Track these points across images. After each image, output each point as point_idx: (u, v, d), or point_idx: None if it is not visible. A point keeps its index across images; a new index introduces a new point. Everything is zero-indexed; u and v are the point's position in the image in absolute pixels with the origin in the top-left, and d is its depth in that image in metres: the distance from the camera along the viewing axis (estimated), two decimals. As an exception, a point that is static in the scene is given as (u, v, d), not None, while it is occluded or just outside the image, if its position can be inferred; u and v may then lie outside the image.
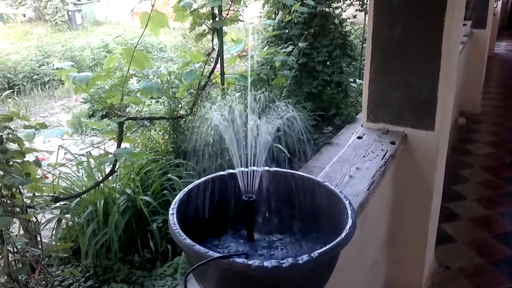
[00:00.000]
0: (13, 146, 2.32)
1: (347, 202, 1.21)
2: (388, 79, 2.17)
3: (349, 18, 6.42)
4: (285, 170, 1.37)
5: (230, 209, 1.30)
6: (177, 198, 1.21)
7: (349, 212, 1.17)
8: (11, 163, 2.22)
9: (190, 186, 1.26)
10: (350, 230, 1.10)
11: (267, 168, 1.35)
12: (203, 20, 3.83)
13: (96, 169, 3.57)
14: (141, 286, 3.12)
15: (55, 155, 3.78)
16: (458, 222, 3.27)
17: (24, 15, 16.32)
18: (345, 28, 5.98)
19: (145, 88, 3.06)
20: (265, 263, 0.98)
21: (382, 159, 1.95)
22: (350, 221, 1.13)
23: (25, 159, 2.29)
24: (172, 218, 1.14)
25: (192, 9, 3.72)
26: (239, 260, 1.00)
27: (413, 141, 2.22)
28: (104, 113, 6.27)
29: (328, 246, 1.05)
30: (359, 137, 2.18)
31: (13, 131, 2.21)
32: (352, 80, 6.01)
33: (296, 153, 4.90)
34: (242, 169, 1.28)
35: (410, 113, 2.17)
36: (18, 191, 2.40)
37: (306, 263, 1.00)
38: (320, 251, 1.02)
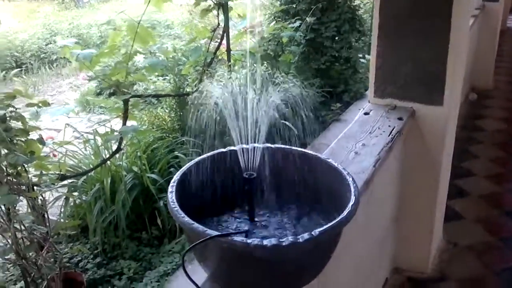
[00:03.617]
0: (17, 124, 2.32)
1: (351, 179, 1.19)
2: (396, 53, 2.12)
3: (358, -9, 6.29)
4: (287, 147, 1.34)
5: (231, 187, 1.28)
6: (176, 176, 1.19)
7: (352, 190, 1.14)
8: (15, 141, 2.21)
9: (189, 164, 1.24)
10: (352, 208, 1.08)
11: (268, 144, 1.32)
12: (208, -5, 3.76)
13: (103, 147, 3.57)
14: (149, 262, 3.14)
15: (63, 133, 3.78)
16: (467, 199, 3.23)
17: (31, -7, 16.22)
18: (354, 2, 5.86)
19: (150, 64, 3.03)
20: (265, 242, 0.96)
21: (389, 135, 1.91)
22: (353, 199, 1.11)
23: (29, 137, 2.28)
24: (171, 196, 1.12)
25: (197, -17, 3.65)
26: (238, 238, 0.98)
27: (421, 117, 2.17)
28: (111, 91, 6.24)
29: (329, 224, 1.02)
30: (365, 113, 2.14)
31: (16, 109, 2.19)
32: (361, 55, 5.91)
33: (303, 130, 4.87)
34: (243, 146, 1.25)
35: (418, 88, 2.13)
36: (23, 169, 2.40)
37: (307, 241, 0.97)
38: (321, 229, 1.00)
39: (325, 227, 1.01)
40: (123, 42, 3.26)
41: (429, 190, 2.32)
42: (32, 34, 9.25)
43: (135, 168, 3.39)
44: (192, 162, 1.25)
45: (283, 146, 1.34)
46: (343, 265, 1.54)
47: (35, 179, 2.58)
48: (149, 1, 2.80)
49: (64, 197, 3.39)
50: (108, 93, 6.43)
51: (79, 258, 3.25)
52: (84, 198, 3.34)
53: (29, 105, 2.23)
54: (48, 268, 2.63)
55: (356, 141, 1.87)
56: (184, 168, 1.23)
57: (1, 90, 6.72)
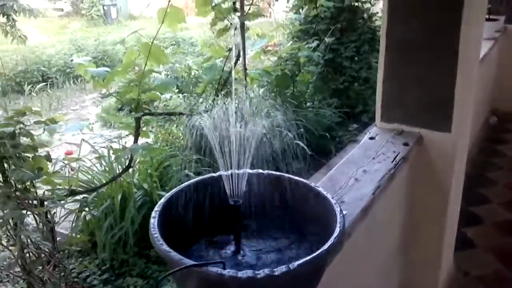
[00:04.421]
0: (26, 140, 2.36)
1: (338, 209, 1.16)
2: (403, 77, 2.09)
3: (378, 12, 6.26)
4: (277, 173, 1.32)
5: (218, 213, 1.26)
6: (161, 201, 1.19)
7: (338, 220, 1.11)
8: (23, 157, 2.24)
9: (176, 189, 1.23)
10: (335, 240, 1.05)
11: (260, 170, 1.30)
12: (224, 16, 3.80)
13: (117, 163, 3.60)
14: (156, 280, 3.13)
15: (82, 148, 3.83)
16: (481, 226, 3.13)
17: (62, 10, 16.68)
18: (374, 23, 5.84)
19: (162, 83, 3.05)
20: (239, 274, 0.94)
21: (392, 162, 1.87)
22: (337, 230, 1.08)
23: (37, 154, 2.31)
24: (153, 222, 1.11)
25: (213, 3, 3.69)
26: (213, 269, 0.96)
27: (428, 143, 2.12)
28: (131, 107, 6.34)
29: (309, 257, 0.99)
30: (371, 138, 2.11)
31: (25, 126, 2.23)
32: (380, 76, 5.85)
33: (319, 151, 4.84)
34: (234, 171, 1.23)
35: (426, 113, 2.08)
36: (32, 184, 2.43)
37: (283, 274, 0.95)
38: (299, 262, 0.97)
39: (304, 259, 0.98)
40: (138, 61, 3.30)
41: (438, 216, 2.26)
42: (59, 50, 9.48)
43: (145, 186, 3.40)
44: (179, 187, 1.24)
45: (274, 172, 1.32)
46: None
47: (48, 194, 2.61)
48: (162, 22, 2.83)
49: (76, 212, 3.43)
50: (129, 109, 6.52)
51: (87, 274, 3.26)
52: (94, 214, 3.37)
53: (37, 122, 2.26)
54: (52, 284, 2.65)
55: (357, 166, 1.83)
56: (171, 193, 1.22)
57: (27, 104, 6.89)
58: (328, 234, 1.11)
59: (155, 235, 1.06)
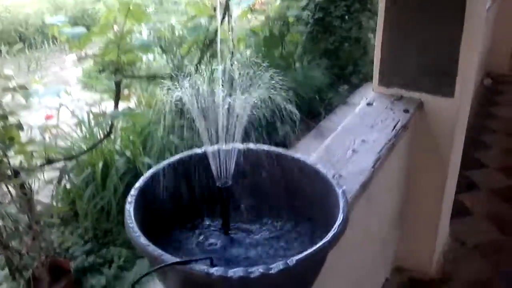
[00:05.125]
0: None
1: (340, 191, 1.02)
2: (403, 37, 1.92)
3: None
4: (271, 148, 1.17)
5: (203, 195, 1.12)
6: (138, 184, 1.03)
7: (341, 205, 0.98)
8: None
9: (154, 169, 1.08)
10: (338, 229, 0.91)
11: (250, 145, 1.15)
12: (209, -30, 3.56)
13: (98, 129, 3.42)
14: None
15: (62, 113, 3.62)
16: (477, 193, 3.03)
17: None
18: (366, -20, 5.59)
19: (143, 44, 2.85)
20: (229, 273, 0.80)
21: (392, 130, 1.73)
22: (340, 217, 0.94)
23: (8, 123, 2.14)
24: (129, 209, 0.96)
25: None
26: (199, 267, 0.82)
27: (430, 109, 1.98)
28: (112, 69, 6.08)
29: (309, 251, 0.86)
30: (368, 104, 1.96)
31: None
32: (372, 36, 5.66)
33: (308, 113, 4.68)
34: (218, 147, 1.08)
35: (428, 77, 1.93)
36: (4, 155, 2.27)
37: (281, 272, 0.81)
38: (299, 257, 0.84)
39: (304, 254, 0.85)
40: (117, 20, 3.09)
41: (437, 186, 2.14)
42: (36, 9, 9.05)
43: (128, 153, 3.24)
44: (158, 166, 1.09)
45: (266, 147, 1.17)
46: (337, 272, 1.39)
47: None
48: (141, -24, 2.60)
49: (57, 181, 3.27)
50: (109, 71, 6.26)
51: (69, 244, 3.14)
52: (75, 182, 3.22)
53: (6, 90, 2.07)
54: (30, 258, 2.52)
55: (355, 136, 1.69)
56: (148, 174, 1.07)
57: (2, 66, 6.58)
58: (328, 219, 0.98)
59: (131, 225, 0.92)
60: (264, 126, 1.21)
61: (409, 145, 2.01)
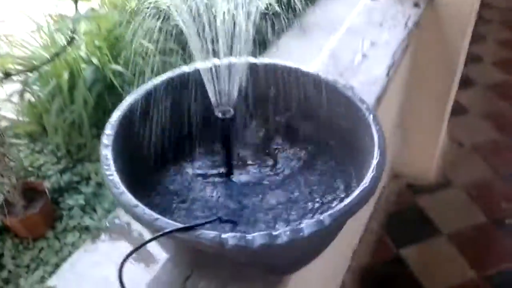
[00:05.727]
0: None
1: (371, 117, 0.81)
2: None
3: None
4: (279, 62, 0.93)
5: (198, 126, 0.90)
6: (113, 118, 0.80)
7: (376, 137, 0.77)
8: None
9: (133, 95, 0.84)
10: (376, 173, 0.71)
11: (252, 59, 0.91)
12: None
13: (60, 35, 3.06)
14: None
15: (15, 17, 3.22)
16: (473, 89, 2.86)
17: None
18: None
19: None
20: (248, 238, 0.61)
21: (404, 29, 1.49)
22: (376, 155, 0.74)
23: None
24: (105, 154, 0.74)
25: None
26: (209, 234, 0.62)
27: (441, 2, 1.73)
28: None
29: (343, 205, 0.66)
30: (372, -3, 1.69)
31: None
32: None
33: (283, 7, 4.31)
34: (214, 62, 0.83)
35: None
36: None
37: (313, 234, 0.62)
38: (333, 214, 0.65)
39: (338, 208, 0.65)
40: None
41: (443, 85, 1.96)
42: None
43: (95, 60, 2.92)
44: (138, 92, 0.85)
45: (273, 61, 0.93)
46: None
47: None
48: None
49: (19, 94, 2.98)
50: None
51: (41, 162, 2.93)
52: (39, 95, 2.93)
53: None
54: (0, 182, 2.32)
55: (362, 37, 1.44)
56: (126, 103, 0.83)
57: None
58: (356, 149, 0.79)
59: (110, 177, 0.70)
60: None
61: (416, 43, 1.78)
